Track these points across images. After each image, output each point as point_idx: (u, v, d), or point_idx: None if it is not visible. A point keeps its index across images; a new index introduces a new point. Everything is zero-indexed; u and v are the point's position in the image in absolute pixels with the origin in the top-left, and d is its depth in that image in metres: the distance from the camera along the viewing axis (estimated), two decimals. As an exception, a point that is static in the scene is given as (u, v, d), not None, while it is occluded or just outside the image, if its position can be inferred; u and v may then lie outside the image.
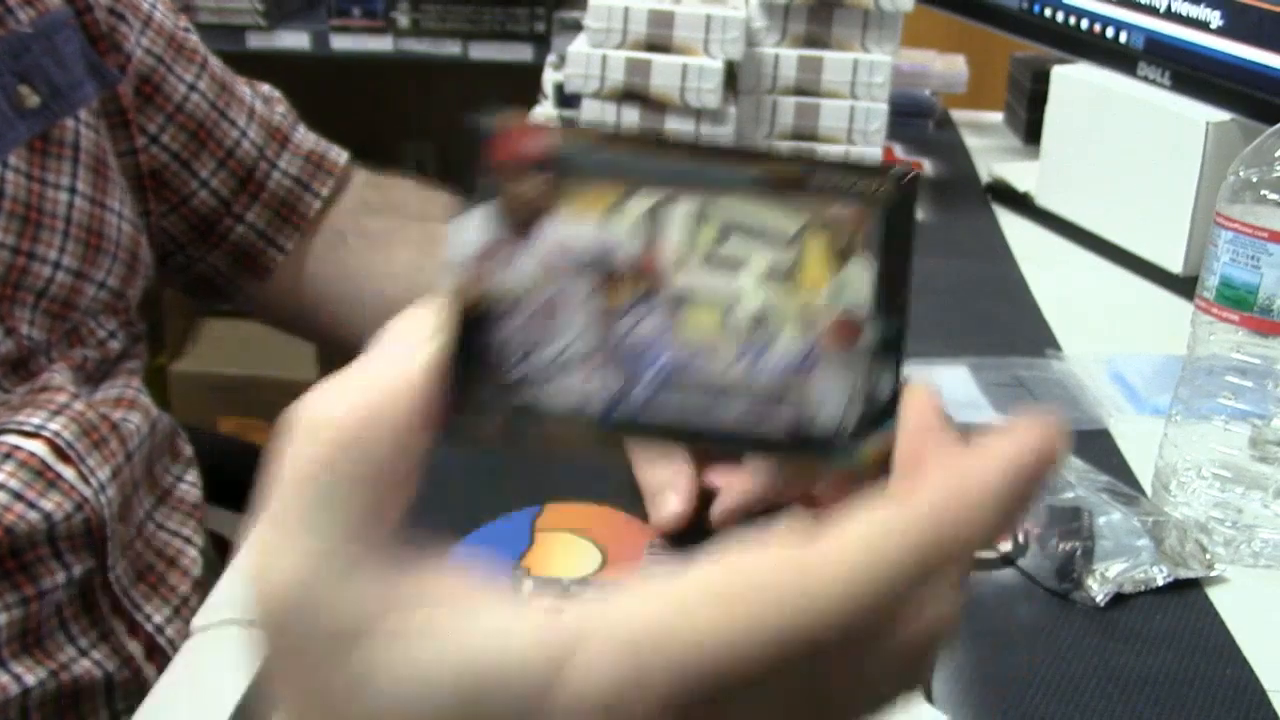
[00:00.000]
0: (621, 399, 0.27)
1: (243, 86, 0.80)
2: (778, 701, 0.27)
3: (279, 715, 0.28)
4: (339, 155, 0.83)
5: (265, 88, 0.83)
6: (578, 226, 0.26)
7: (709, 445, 0.28)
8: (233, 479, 0.87)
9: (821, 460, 0.29)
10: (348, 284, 0.80)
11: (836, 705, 0.28)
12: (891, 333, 0.28)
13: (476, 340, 0.26)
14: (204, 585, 0.72)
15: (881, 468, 0.29)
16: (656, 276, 0.27)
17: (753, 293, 0.28)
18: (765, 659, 0.26)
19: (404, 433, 0.27)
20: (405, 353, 0.27)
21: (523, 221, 0.26)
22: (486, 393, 0.26)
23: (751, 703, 0.26)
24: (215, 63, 0.79)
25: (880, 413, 0.29)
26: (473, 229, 0.26)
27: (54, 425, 0.63)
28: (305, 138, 0.82)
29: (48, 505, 0.62)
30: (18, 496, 0.61)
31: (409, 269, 0.79)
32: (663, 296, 0.27)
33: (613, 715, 0.26)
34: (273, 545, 0.27)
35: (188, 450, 0.79)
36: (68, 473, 0.63)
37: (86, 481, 0.64)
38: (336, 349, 0.85)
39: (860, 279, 0.28)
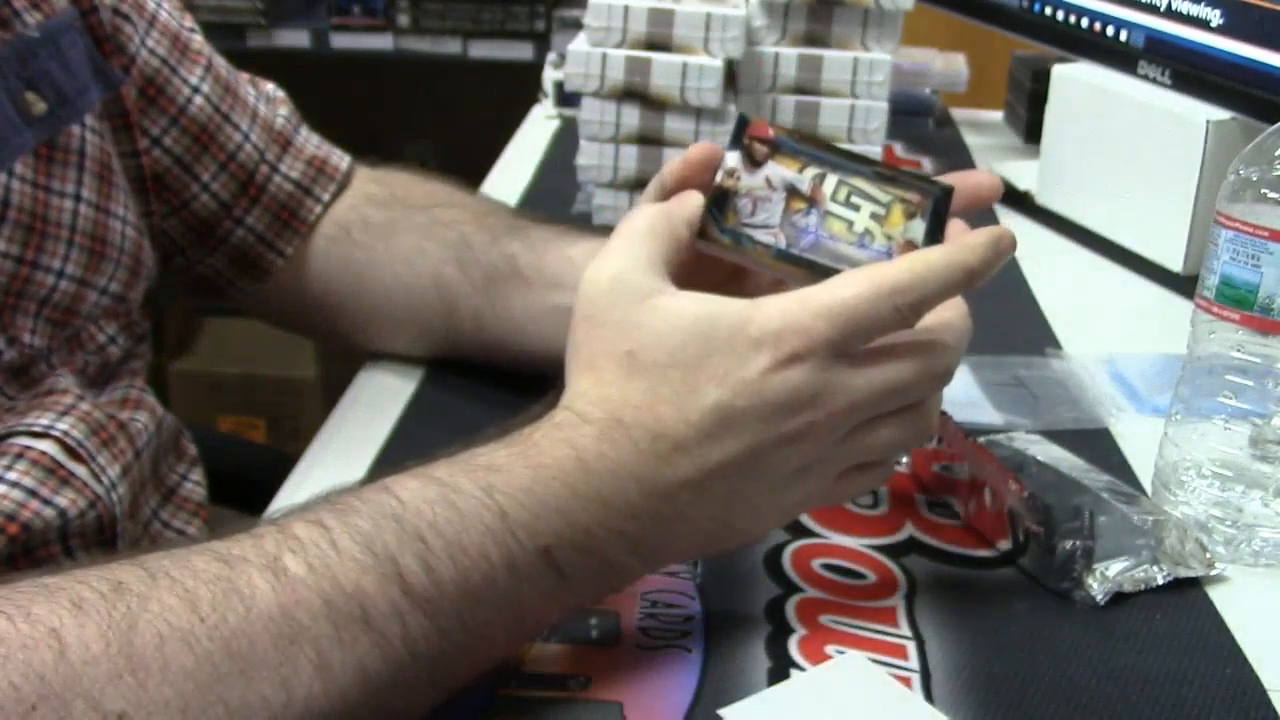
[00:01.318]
0: (788, 246, 0.53)
1: (246, 86, 0.79)
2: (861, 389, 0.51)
3: (579, 360, 0.52)
4: (341, 159, 0.82)
5: (269, 87, 0.82)
6: (781, 170, 0.54)
7: (825, 275, 0.51)
8: (234, 479, 0.87)
9: None
10: (351, 275, 0.79)
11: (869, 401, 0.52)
12: None
13: (723, 202, 0.54)
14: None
15: None
16: (816, 200, 0.54)
17: (862, 222, 0.54)
18: (874, 305, 0.50)
19: (683, 227, 0.53)
20: (692, 198, 0.54)
21: (754, 162, 0.54)
22: (724, 225, 0.54)
23: (849, 363, 0.50)
24: (220, 63, 0.78)
25: None
26: (731, 159, 0.54)
27: (62, 425, 0.63)
28: (308, 141, 0.81)
29: (62, 502, 0.62)
30: (32, 494, 0.61)
31: (410, 252, 0.78)
32: (817, 209, 0.54)
33: (780, 337, 0.49)
34: (608, 255, 0.52)
35: (191, 450, 0.78)
36: (80, 470, 0.63)
37: (98, 479, 0.64)
38: (338, 344, 0.85)
39: (918, 227, 0.54)
